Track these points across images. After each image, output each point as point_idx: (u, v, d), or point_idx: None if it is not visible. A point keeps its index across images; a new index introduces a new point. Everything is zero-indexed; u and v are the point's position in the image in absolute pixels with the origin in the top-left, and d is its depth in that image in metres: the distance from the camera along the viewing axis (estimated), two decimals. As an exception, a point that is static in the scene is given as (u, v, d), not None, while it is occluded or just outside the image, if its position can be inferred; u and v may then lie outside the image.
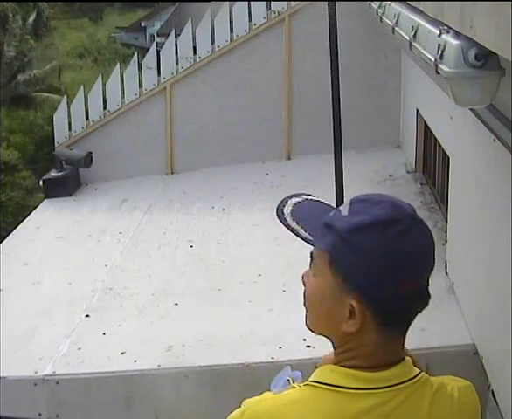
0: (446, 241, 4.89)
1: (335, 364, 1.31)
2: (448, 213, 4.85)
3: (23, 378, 4.23)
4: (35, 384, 4.17)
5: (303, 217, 1.37)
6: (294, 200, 1.42)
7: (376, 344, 1.29)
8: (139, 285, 5.25)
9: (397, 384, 1.28)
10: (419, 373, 1.34)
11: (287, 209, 1.40)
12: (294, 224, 1.36)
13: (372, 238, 1.25)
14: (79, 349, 4.42)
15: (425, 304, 1.33)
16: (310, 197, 1.44)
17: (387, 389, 1.27)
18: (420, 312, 1.33)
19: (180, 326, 4.60)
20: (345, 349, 1.31)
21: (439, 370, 4.30)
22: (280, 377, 1.38)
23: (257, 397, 1.32)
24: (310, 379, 1.30)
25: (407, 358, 1.35)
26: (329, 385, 1.27)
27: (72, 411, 4.20)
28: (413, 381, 1.31)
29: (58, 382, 4.17)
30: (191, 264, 5.56)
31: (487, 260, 3.78)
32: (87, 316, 4.85)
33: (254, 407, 1.29)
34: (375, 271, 1.25)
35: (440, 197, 5.92)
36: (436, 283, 5.10)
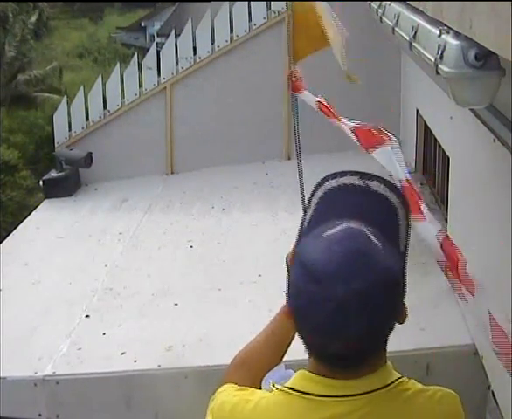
0: (446, 241, 4.88)
1: (310, 370, 1.31)
2: (448, 213, 4.85)
3: (23, 378, 4.23)
4: (35, 384, 4.17)
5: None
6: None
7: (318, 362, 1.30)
8: (139, 284, 5.25)
9: (369, 392, 1.27)
10: (396, 379, 1.31)
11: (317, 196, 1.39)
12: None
13: (298, 274, 1.27)
14: (79, 349, 4.42)
15: (345, 364, 1.26)
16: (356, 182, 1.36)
17: (357, 397, 1.27)
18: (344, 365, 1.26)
19: (180, 326, 4.60)
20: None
21: (439, 370, 4.30)
22: (273, 374, 1.40)
23: (235, 393, 1.38)
24: (286, 384, 1.32)
25: (387, 364, 1.32)
26: (299, 391, 1.28)
27: (72, 411, 4.20)
28: (388, 388, 1.29)
29: (58, 382, 4.17)
30: (191, 264, 5.56)
31: (487, 260, 3.78)
32: (87, 316, 4.85)
33: (235, 408, 1.34)
34: (293, 304, 1.28)
35: (440, 197, 5.92)
36: (436, 283, 5.09)
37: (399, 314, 1.29)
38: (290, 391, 1.29)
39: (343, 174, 1.35)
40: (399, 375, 1.32)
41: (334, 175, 1.36)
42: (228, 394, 1.40)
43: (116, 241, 6.17)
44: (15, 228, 6.98)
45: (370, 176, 1.34)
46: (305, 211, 1.37)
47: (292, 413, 1.28)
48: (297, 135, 3.52)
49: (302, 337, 1.29)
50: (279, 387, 1.32)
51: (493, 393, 3.68)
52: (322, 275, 1.20)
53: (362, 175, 1.34)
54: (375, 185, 1.33)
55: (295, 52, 3.77)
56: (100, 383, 4.19)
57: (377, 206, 1.33)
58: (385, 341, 1.29)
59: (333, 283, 1.19)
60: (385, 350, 1.32)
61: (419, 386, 1.33)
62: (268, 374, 1.44)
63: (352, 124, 2.19)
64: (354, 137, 2.03)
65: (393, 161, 2.21)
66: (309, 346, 1.28)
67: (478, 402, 3.81)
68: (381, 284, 1.21)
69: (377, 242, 1.24)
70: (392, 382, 1.30)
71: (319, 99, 2.90)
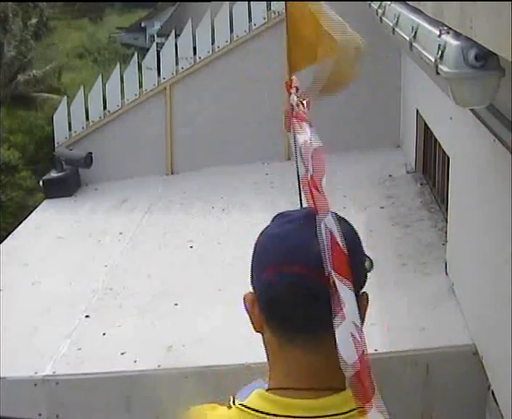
0: (446, 241, 4.89)
1: (268, 389, 1.30)
2: (448, 213, 4.85)
3: (23, 378, 4.23)
4: (35, 384, 4.17)
5: None
6: None
7: (279, 349, 1.28)
8: (139, 285, 5.25)
9: (326, 416, 1.24)
10: (357, 408, 1.25)
11: None
12: None
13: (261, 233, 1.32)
14: (79, 349, 4.42)
15: (306, 302, 1.22)
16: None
17: None
18: (306, 316, 1.23)
19: (180, 326, 4.60)
20: (270, 369, 1.32)
21: (439, 370, 4.29)
22: (248, 388, 1.38)
23: (197, 408, 1.37)
24: (243, 402, 1.30)
25: (349, 390, 1.27)
26: (255, 410, 1.27)
27: (72, 411, 4.20)
28: (345, 415, 1.25)
29: (58, 383, 4.17)
30: (191, 264, 5.56)
31: (487, 260, 3.79)
32: (87, 316, 4.85)
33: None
34: (254, 257, 1.30)
35: (440, 197, 5.92)
36: (436, 283, 5.10)
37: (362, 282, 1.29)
38: (245, 409, 1.28)
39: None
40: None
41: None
42: (191, 409, 1.40)
43: (116, 241, 6.17)
44: (15, 228, 6.99)
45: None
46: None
47: None
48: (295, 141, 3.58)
49: (273, 319, 1.27)
50: (237, 403, 1.30)
51: (493, 393, 3.68)
52: (292, 213, 1.31)
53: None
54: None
55: (292, 64, 3.70)
56: (100, 383, 4.19)
57: None
58: None
59: (302, 215, 1.28)
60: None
61: None
62: (245, 388, 1.42)
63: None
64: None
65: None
66: (281, 320, 1.27)
67: (478, 402, 3.81)
68: (354, 233, 1.28)
69: None
70: (352, 410, 1.25)
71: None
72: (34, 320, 4.84)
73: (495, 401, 3.63)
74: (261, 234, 1.32)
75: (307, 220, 1.26)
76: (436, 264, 4.83)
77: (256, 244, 1.31)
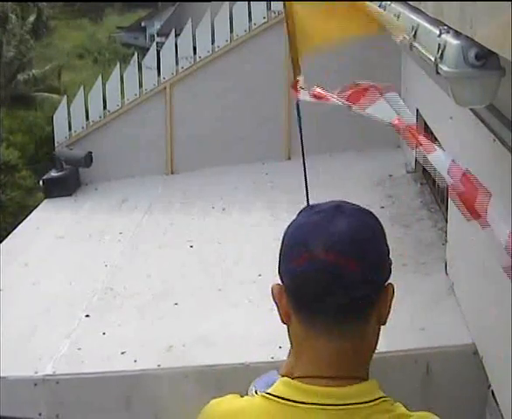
0: (446, 241, 4.89)
1: (289, 375, 1.31)
2: (448, 213, 4.85)
3: (23, 378, 4.23)
4: (35, 384, 4.17)
5: None
6: None
7: (305, 338, 1.28)
8: (139, 285, 5.25)
9: (352, 404, 1.24)
10: (380, 397, 1.28)
11: None
12: None
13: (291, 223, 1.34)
14: (79, 349, 4.42)
15: (333, 289, 1.23)
16: None
17: (338, 407, 1.24)
18: (333, 304, 1.23)
19: (180, 326, 4.61)
20: (295, 359, 1.33)
21: (439, 370, 4.29)
22: (264, 378, 1.39)
23: (219, 398, 1.37)
24: (267, 390, 1.31)
25: (372, 380, 1.30)
26: (279, 397, 1.27)
27: (72, 411, 4.20)
28: (370, 404, 1.25)
29: (58, 382, 4.17)
30: (191, 264, 5.56)
31: (486, 260, 3.78)
32: (87, 316, 4.85)
33: (211, 407, 1.35)
34: (282, 247, 1.31)
35: (440, 197, 5.92)
36: (436, 283, 5.09)
37: (387, 271, 1.30)
38: (269, 396, 1.29)
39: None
40: (384, 395, 1.29)
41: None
42: (212, 402, 1.40)
43: (116, 241, 6.17)
44: (15, 228, 6.99)
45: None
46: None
47: (266, 416, 1.27)
48: (301, 139, 3.61)
49: (299, 308, 1.28)
50: (260, 392, 1.32)
51: (493, 393, 3.68)
52: (322, 205, 1.31)
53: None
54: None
55: (295, 57, 3.75)
56: (100, 383, 4.19)
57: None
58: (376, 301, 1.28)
59: (332, 207, 1.29)
60: (371, 356, 1.31)
61: (403, 410, 1.30)
62: (261, 378, 1.43)
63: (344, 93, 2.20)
64: (346, 103, 2.05)
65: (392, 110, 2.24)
66: (308, 308, 1.27)
67: (478, 402, 3.81)
68: (379, 225, 1.30)
69: None
70: (376, 399, 1.27)
71: (313, 91, 2.89)
72: (34, 320, 4.84)
73: (495, 400, 3.63)
74: (289, 225, 1.33)
75: (334, 210, 1.28)
76: (436, 264, 4.83)
77: (284, 235, 1.32)
